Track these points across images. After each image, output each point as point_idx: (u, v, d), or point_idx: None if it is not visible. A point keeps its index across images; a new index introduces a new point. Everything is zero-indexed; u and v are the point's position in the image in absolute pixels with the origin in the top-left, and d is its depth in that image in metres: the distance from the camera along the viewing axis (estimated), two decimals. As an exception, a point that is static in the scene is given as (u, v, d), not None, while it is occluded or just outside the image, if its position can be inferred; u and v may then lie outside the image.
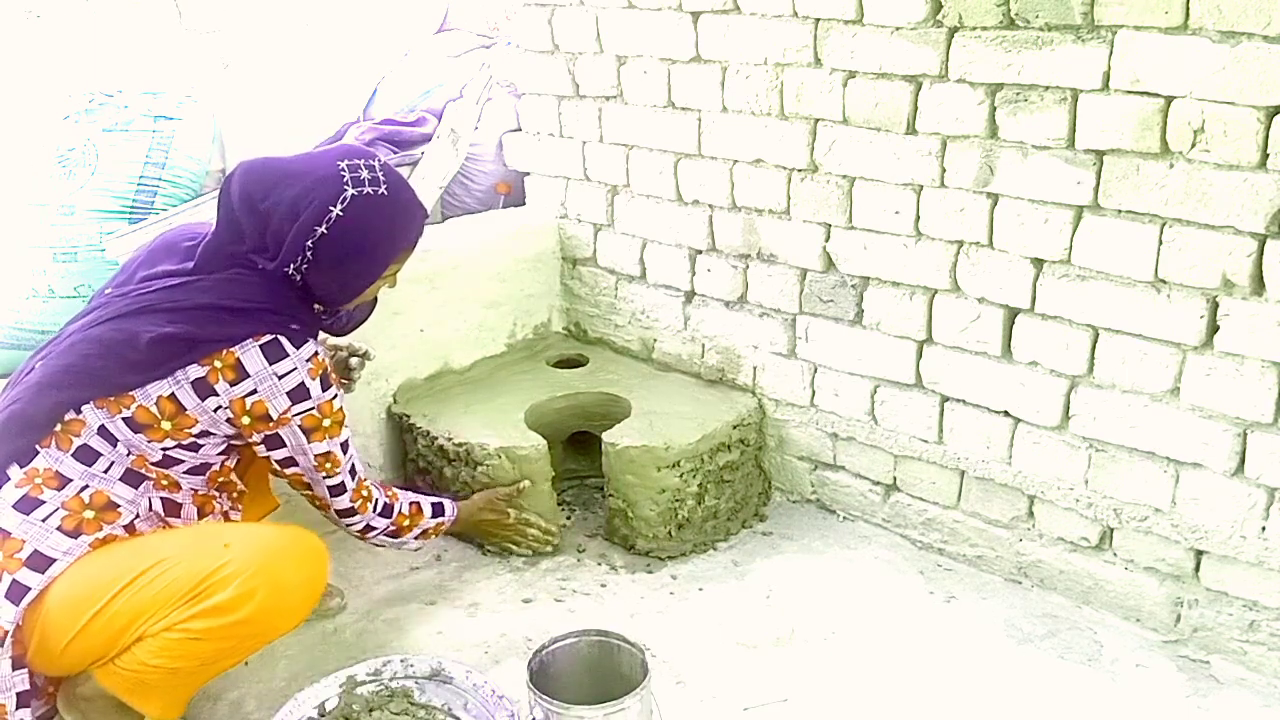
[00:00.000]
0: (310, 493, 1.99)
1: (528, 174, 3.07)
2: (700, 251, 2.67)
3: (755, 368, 2.65)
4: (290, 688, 1.98)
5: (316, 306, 1.91)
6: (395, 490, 2.14)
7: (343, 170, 1.80)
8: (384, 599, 2.34)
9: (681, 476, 2.43)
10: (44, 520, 1.70)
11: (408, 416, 2.62)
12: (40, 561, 1.68)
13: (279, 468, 1.92)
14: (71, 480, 1.73)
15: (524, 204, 3.10)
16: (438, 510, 2.21)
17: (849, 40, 2.22)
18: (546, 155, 2.97)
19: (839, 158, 2.32)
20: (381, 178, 1.83)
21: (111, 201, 2.53)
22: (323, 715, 1.75)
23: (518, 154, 3.07)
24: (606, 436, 2.48)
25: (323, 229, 1.77)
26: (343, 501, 1.99)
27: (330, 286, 1.85)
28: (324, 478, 1.93)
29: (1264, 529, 1.94)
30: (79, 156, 2.58)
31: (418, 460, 2.63)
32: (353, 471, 1.99)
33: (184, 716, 1.94)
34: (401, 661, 1.84)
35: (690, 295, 2.74)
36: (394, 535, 2.13)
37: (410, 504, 2.15)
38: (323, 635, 2.22)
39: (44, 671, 1.79)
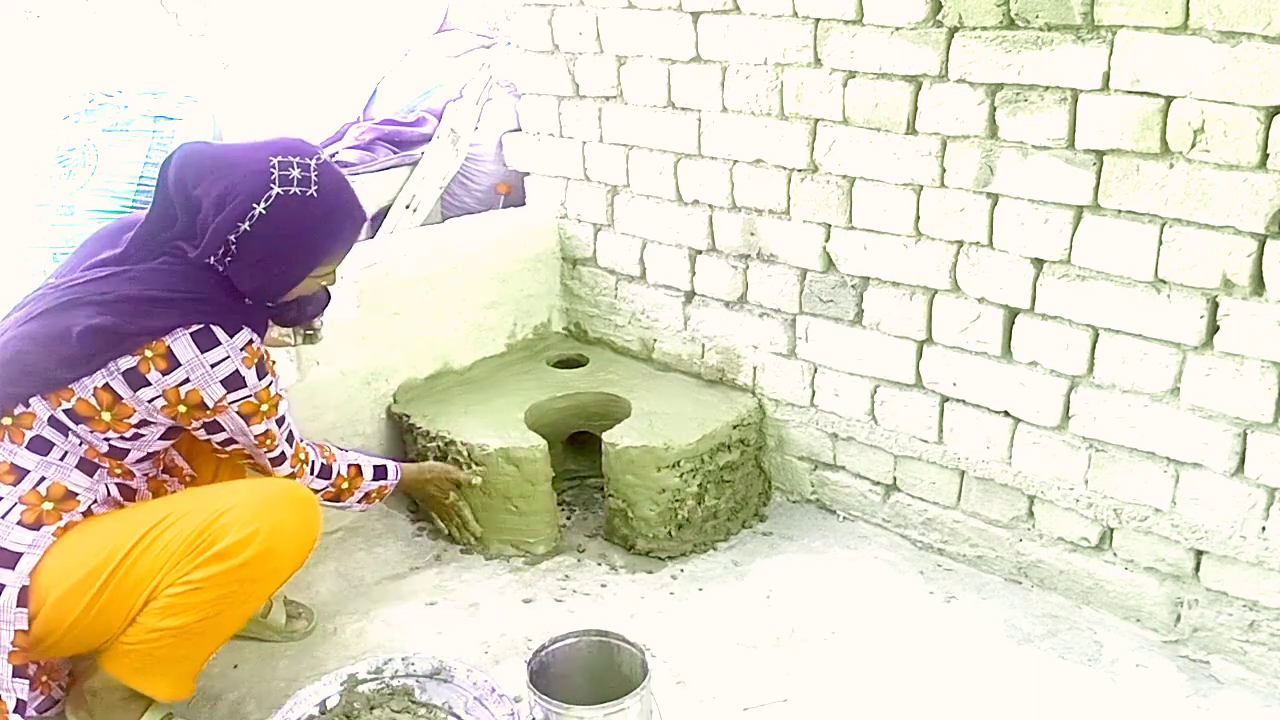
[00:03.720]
0: (251, 463, 2.01)
1: (528, 174, 3.07)
2: (700, 251, 2.67)
3: (755, 368, 2.65)
4: (290, 688, 1.98)
5: (246, 299, 1.87)
6: (332, 449, 2.13)
7: (273, 167, 1.76)
8: (384, 599, 2.33)
9: (681, 476, 2.43)
10: (3, 516, 1.70)
11: (408, 416, 2.62)
12: (6, 558, 1.69)
13: (219, 447, 1.93)
14: (28, 472, 1.73)
15: (524, 204, 3.10)
16: (380, 473, 2.20)
17: (849, 40, 2.22)
18: (546, 155, 2.97)
19: (839, 158, 2.32)
20: (314, 178, 1.77)
21: (111, 201, 2.54)
22: (324, 713, 1.75)
23: (518, 154, 3.07)
24: (606, 436, 2.48)
25: (245, 225, 1.74)
26: (284, 469, 1.99)
27: (251, 282, 1.81)
28: (265, 452, 1.94)
29: (1264, 529, 1.94)
30: (79, 156, 2.59)
31: (417, 461, 2.62)
32: (289, 439, 1.99)
33: (185, 717, 1.95)
34: (403, 660, 1.84)
35: (690, 295, 2.74)
36: (335, 499, 2.13)
37: (349, 466, 2.14)
38: (323, 636, 2.22)
39: (52, 656, 1.79)
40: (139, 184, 2.59)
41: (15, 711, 1.71)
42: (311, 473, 2.05)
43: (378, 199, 3.12)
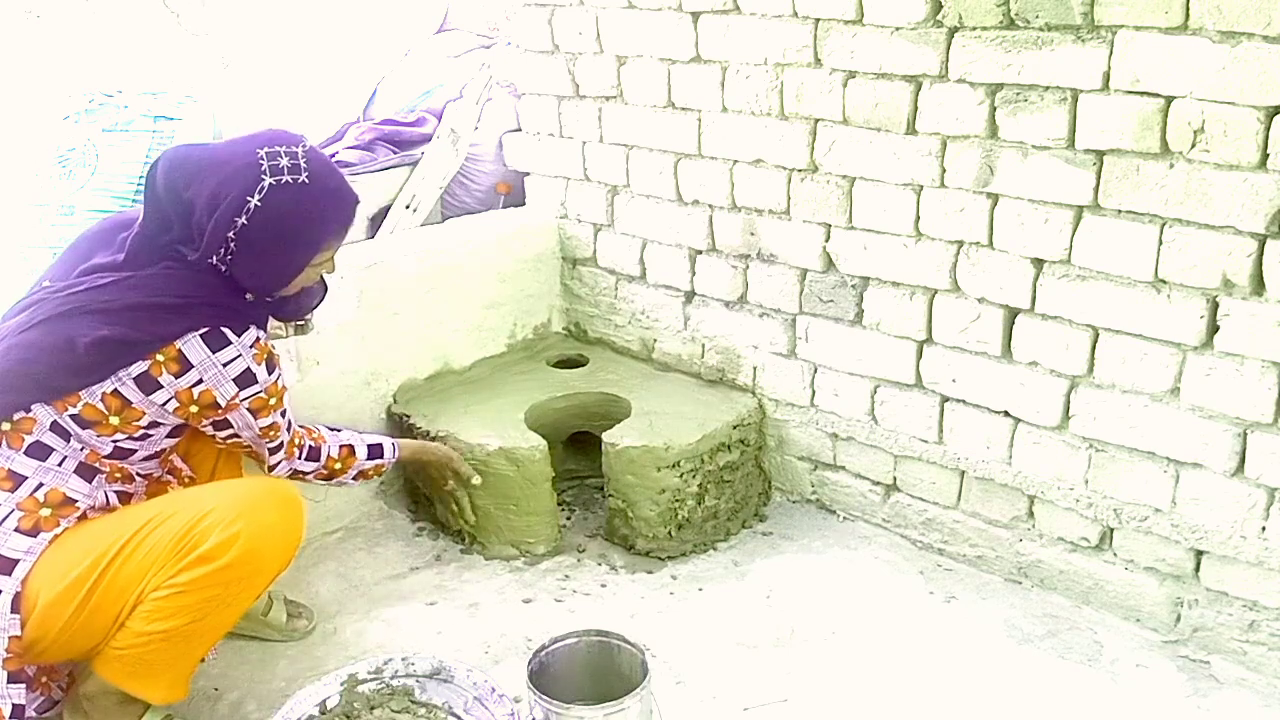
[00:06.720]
0: (247, 450, 2.00)
1: (528, 174, 3.07)
2: (700, 251, 2.67)
3: (755, 368, 2.65)
4: (290, 688, 1.98)
5: (249, 296, 1.87)
6: (323, 432, 2.12)
7: (261, 159, 1.75)
8: (384, 599, 2.34)
9: (681, 476, 2.43)
10: (0, 523, 1.70)
11: (408, 417, 2.62)
12: (3, 564, 1.68)
13: (222, 441, 1.92)
14: (26, 478, 1.73)
15: (524, 204, 3.10)
16: (375, 452, 2.19)
17: (849, 40, 2.22)
18: (546, 155, 2.97)
19: (839, 158, 2.32)
20: (303, 164, 1.78)
21: (111, 201, 2.54)
22: (324, 713, 1.75)
23: (518, 154, 3.07)
24: (606, 436, 2.48)
25: (242, 220, 1.74)
26: (279, 456, 2.00)
27: (256, 276, 1.81)
28: (266, 442, 1.95)
29: (1264, 529, 1.94)
30: (79, 157, 2.59)
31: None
32: (289, 427, 1.99)
33: (184, 717, 1.95)
34: (403, 660, 1.84)
35: (690, 295, 2.74)
36: (327, 479, 2.13)
37: (341, 447, 2.13)
38: (323, 636, 2.22)
39: (45, 661, 1.79)
40: (139, 184, 2.58)
41: (12, 717, 1.71)
42: (300, 456, 2.04)
43: (378, 199, 3.12)
